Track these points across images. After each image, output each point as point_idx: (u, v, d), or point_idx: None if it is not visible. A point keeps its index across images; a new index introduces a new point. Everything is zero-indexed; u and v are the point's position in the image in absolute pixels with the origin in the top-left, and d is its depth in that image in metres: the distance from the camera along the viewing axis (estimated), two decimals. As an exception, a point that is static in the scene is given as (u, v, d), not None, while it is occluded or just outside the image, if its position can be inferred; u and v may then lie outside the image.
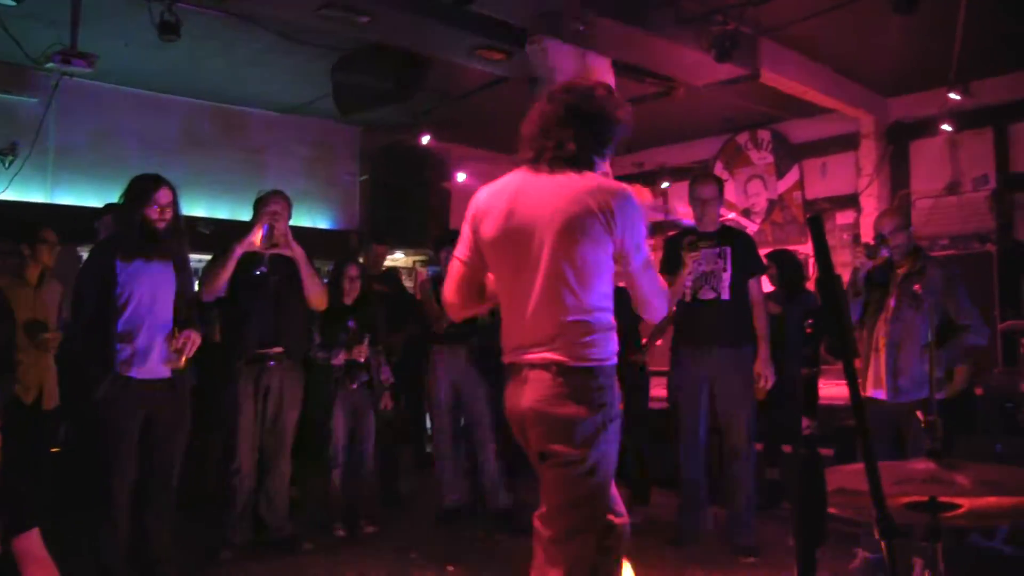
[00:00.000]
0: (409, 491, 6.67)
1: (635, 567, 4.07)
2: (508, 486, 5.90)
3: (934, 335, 4.11)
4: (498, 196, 2.65)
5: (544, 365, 2.50)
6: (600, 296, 2.53)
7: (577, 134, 2.55)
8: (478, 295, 2.78)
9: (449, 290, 2.79)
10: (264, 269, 4.89)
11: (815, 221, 1.67)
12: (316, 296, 5.06)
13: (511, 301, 2.63)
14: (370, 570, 4.83)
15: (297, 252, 4.93)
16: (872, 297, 4.58)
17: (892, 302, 4.51)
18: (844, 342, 1.64)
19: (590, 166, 2.57)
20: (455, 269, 2.76)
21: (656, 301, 2.69)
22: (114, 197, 4.50)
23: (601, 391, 2.50)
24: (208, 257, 4.97)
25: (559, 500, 2.56)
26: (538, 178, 2.57)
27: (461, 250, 2.74)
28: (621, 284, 2.66)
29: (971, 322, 4.44)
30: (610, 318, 2.57)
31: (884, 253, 4.50)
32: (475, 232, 2.68)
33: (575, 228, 2.46)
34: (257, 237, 4.77)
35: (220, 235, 5.06)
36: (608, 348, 2.55)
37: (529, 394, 2.52)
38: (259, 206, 4.99)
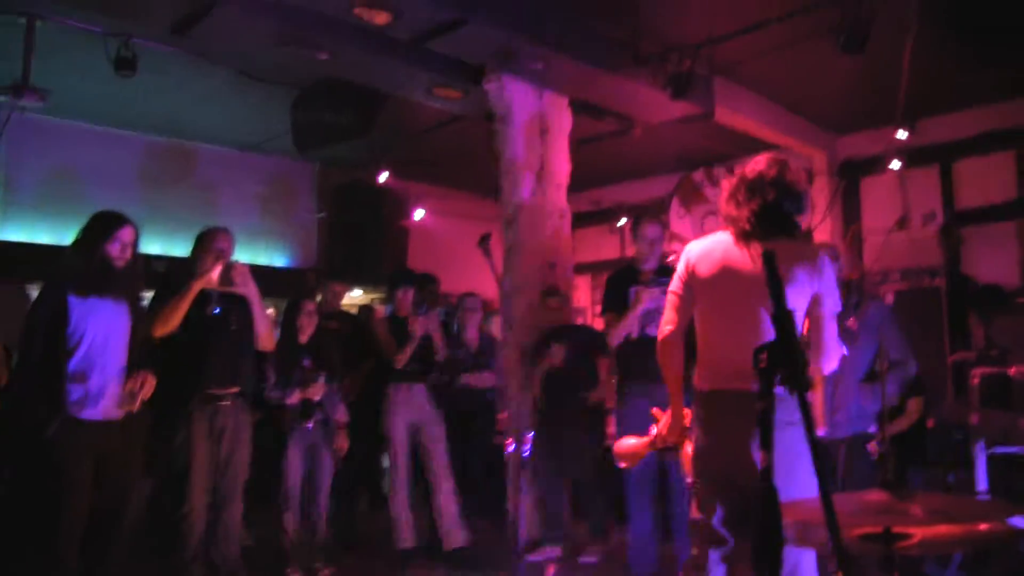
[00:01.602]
0: (365, 532, 6.58)
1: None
2: (466, 525, 5.86)
3: (871, 370, 4.18)
4: None
5: None
6: None
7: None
8: None
9: None
10: (219, 308, 4.83)
11: (768, 257, 1.70)
12: (267, 336, 5.02)
13: None
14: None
15: (252, 291, 4.88)
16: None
17: None
18: (798, 375, 1.67)
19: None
20: None
21: (832, 346, 3.06)
22: (66, 234, 4.43)
23: None
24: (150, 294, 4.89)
25: None
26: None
27: None
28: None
29: (904, 356, 4.51)
30: None
31: None
32: None
33: None
34: (215, 274, 4.71)
35: (171, 273, 4.98)
36: None
37: None
38: (204, 242, 4.91)
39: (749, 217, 3.03)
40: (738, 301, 2.97)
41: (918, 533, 1.88)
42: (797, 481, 2.65)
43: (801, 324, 2.92)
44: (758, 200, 3.03)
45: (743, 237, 3.04)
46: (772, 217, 3.01)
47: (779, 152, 3.10)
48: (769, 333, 2.59)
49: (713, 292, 3.09)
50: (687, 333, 3.26)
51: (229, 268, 4.74)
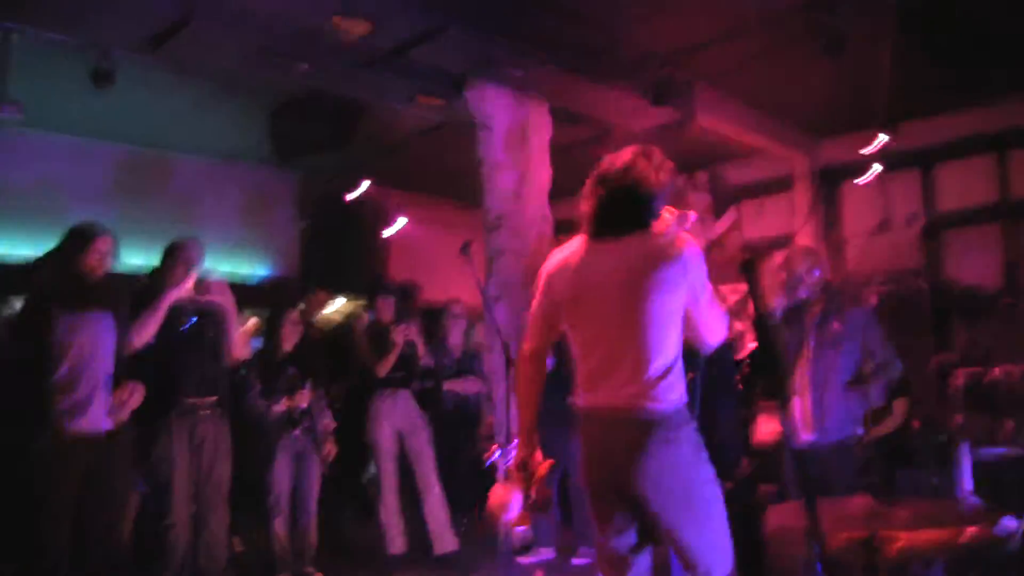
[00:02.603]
0: (354, 538, 6.55)
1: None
2: (455, 529, 5.86)
3: (858, 373, 4.17)
4: None
5: None
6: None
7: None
8: None
9: None
10: (195, 319, 4.80)
11: (748, 265, 1.69)
12: (241, 346, 5.02)
13: None
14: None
15: (229, 302, 4.86)
16: (791, 338, 4.60)
17: (811, 342, 4.49)
18: (779, 383, 1.66)
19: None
20: None
21: (715, 326, 2.90)
22: (46, 247, 4.39)
23: None
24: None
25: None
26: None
27: None
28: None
29: (887, 358, 4.50)
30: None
31: (800, 292, 4.55)
32: None
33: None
34: (188, 285, 4.68)
35: (145, 286, 4.94)
36: None
37: None
38: (172, 253, 4.87)
39: (598, 213, 2.89)
40: (600, 310, 2.82)
41: (903, 538, 1.88)
42: (694, 510, 2.63)
43: (675, 319, 2.75)
44: (607, 194, 2.88)
45: (595, 236, 2.89)
46: (622, 212, 2.85)
47: (645, 145, 2.97)
48: (637, 337, 2.68)
49: (575, 305, 2.90)
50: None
51: (204, 279, 4.72)
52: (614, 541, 2.77)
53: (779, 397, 1.65)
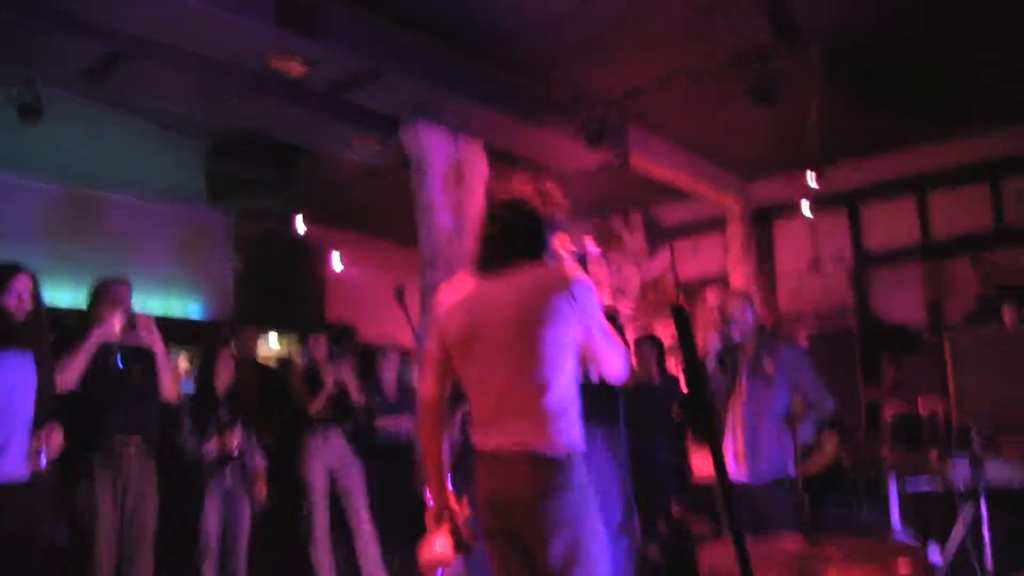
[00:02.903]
0: (287, 577, 6.43)
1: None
2: (387, 567, 5.84)
3: (790, 414, 4.24)
4: None
5: None
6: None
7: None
8: None
9: None
10: (121, 360, 4.69)
11: (679, 311, 1.72)
12: (171, 387, 4.92)
13: None
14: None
15: (157, 342, 4.75)
16: (724, 379, 4.67)
17: (744, 382, 4.58)
18: (710, 428, 1.68)
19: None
20: None
21: (615, 359, 2.83)
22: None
23: None
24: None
25: None
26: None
27: None
28: None
29: (820, 396, 4.58)
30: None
31: (734, 335, 4.63)
32: None
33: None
34: (116, 326, 4.58)
35: (72, 327, 4.82)
36: None
37: None
38: (100, 293, 4.78)
39: (489, 245, 2.80)
40: (491, 346, 2.69)
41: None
42: (581, 564, 2.51)
43: (568, 354, 2.66)
44: (498, 226, 2.80)
45: (485, 269, 2.78)
46: (512, 244, 2.75)
47: (539, 175, 2.98)
48: (528, 374, 2.59)
49: (467, 344, 2.76)
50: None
51: (132, 319, 4.63)
52: None
53: (710, 441, 1.66)
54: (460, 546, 2.77)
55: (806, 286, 8.45)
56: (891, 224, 8.09)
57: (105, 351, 4.60)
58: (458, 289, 2.84)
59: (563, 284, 2.62)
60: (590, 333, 2.66)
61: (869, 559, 2.00)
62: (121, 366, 4.68)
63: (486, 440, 2.70)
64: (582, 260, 2.93)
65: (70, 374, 4.45)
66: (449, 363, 2.82)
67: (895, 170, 7.97)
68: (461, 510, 2.83)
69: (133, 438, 4.68)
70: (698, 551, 1.57)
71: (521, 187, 2.87)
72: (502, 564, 2.67)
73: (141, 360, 4.74)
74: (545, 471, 2.54)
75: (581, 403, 2.73)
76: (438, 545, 2.76)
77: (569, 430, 2.62)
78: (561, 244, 2.89)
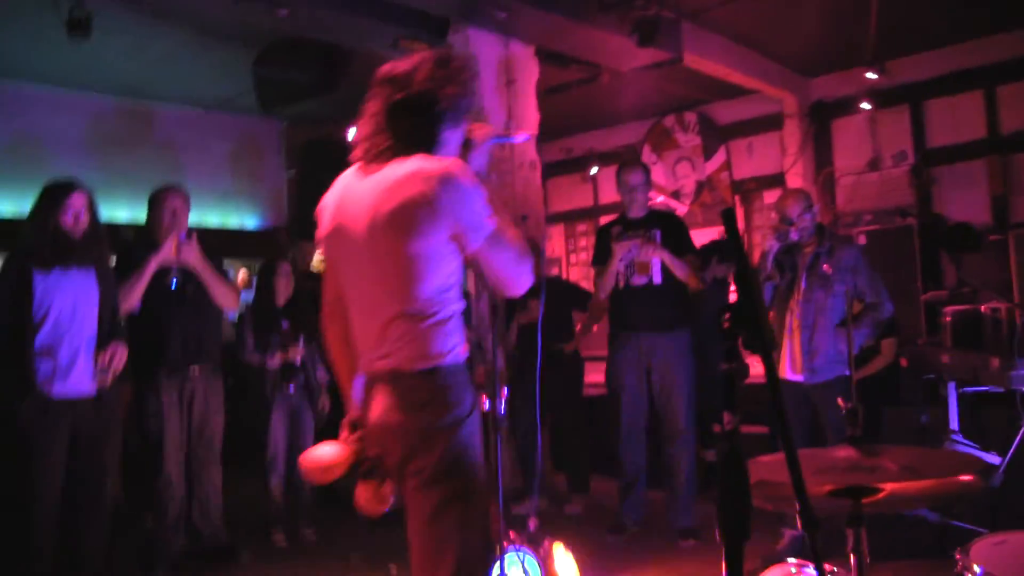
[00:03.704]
0: (347, 490, 6.60)
1: (576, 555, 4.10)
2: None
3: (846, 315, 4.19)
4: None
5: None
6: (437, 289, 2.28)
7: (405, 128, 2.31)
8: None
9: None
10: (176, 279, 4.74)
11: (727, 215, 1.67)
12: (228, 301, 4.95)
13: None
14: (311, 575, 4.78)
15: (195, 261, 4.72)
16: (783, 280, 4.64)
17: (802, 284, 4.57)
18: (761, 337, 1.65)
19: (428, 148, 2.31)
20: None
21: (508, 274, 2.38)
22: (27, 203, 4.32)
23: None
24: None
25: (425, 514, 2.27)
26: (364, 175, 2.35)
27: None
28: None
29: (878, 299, 4.53)
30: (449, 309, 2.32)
31: (792, 236, 4.55)
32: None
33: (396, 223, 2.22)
34: (172, 249, 4.63)
35: (131, 243, 4.87)
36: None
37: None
38: (156, 203, 4.79)
39: (369, 130, 2.34)
40: (353, 255, 2.32)
41: (887, 488, 1.88)
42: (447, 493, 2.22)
43: (435, 263, 2.23)
44: (382, 106, 2.32)
45: (364, 159, 2.34)
46: (395, 130, 2.28)
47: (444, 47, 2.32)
48: (386, 288, 2.20)
49: (333, 250, 2.42)
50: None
51: (184, 241, 4.65)
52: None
53: (761, 351, 1.63)
54: (363, 465, 2.41)
55: (865, 185, 8.24)
56: (956, 119, 7.80)
57: (161, 272, 4.67)
58: (341, 179, 2.44)
59: (424, 183, 2.16)
60: (468, 241, 2.23)
61: (920, 474, 1.96)
62: (174, 286, 4.74)
63: (360, 362, 2.38)
64: (467, 149, 2.45)
65: (132, 298, 4.53)
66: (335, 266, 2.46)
67: (961, 62, 7.64)
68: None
69: (196, 355, 4.78)
70: (747, 464, 1.55)
71: (413, 60, 2.36)
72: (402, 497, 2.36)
73: (195, 278, 4.79)
74: (403, 392, 2.24)
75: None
76: (324, 451, 2.43)
77: (433, 345, 2.24)
78: (477, 134, 2.47)
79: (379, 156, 2.28)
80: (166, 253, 4.60)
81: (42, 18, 5.83)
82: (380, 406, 2.28)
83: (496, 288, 2.44)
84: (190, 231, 4.76)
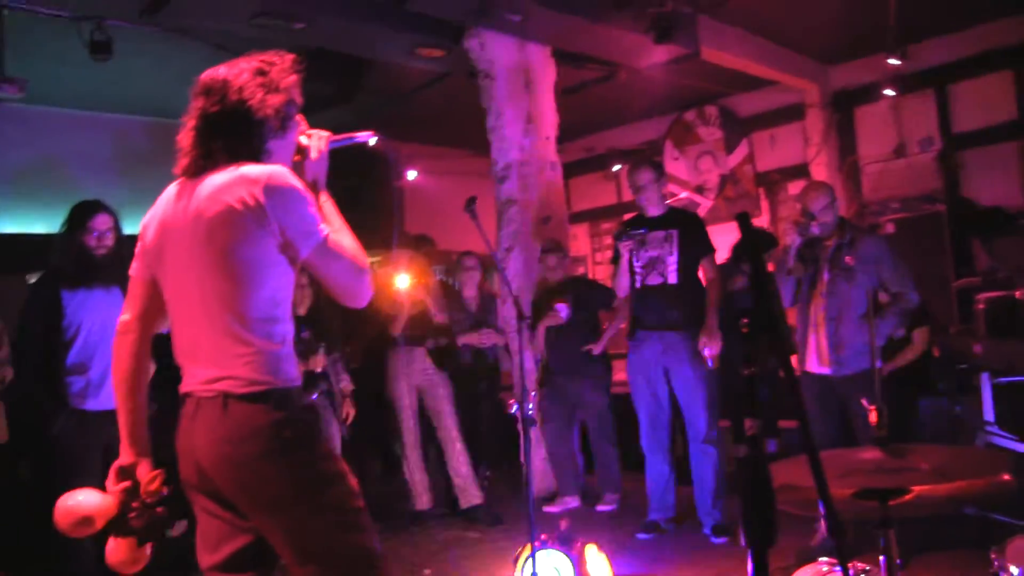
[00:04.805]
0: (381, 496, 6.63)
1: (608, 554, 4.10)
2: (479, 482, 5.93)
3: (871, 306, 4.14)
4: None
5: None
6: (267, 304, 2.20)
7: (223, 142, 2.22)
8: None
9: None
10: None
11: (742, 218, 1.65)
12: None
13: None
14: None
15: None
16: (805, 273, 4.59)
17: (826, 276, 4.52)
18: (780, 343, 1.63)
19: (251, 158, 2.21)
20: None
21: (343, 283, 2.29)
22: (58, 223, 4.40)
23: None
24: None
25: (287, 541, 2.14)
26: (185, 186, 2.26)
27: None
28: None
29: (904, 288, 4.46)
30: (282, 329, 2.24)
31: (814, 230, 4.50)
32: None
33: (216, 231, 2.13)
34: None
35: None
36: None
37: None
38: None
39: (187, 141, 2.25)
40: (177, 269, 2.21)
41: (915, 490, 1.85)
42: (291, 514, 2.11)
43: (263, 273, 2.15)
44: (199, 116, 2.23)
45: (185, 172, 2.25)
46: (211, 140, 2.20)
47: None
48: (208, 303, 2.10)
49: (158, 265, 2.27)
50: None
51: None
52: (215, 555, 2.22)
53: (781, 356, 1.61)
54: (130, 524, 2.19)
55: (891, 173, 8.14)
56: (983, 102, 7.67)
57: None
58: (160, 200, 2.33)
59: (247, 188, 2.08)
60: (297, 250, 2.14)
61: (948, 476, 1.90)
62: None
63: (183, 379, 2.25)
64: (303, 156, 2.37)
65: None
66: (149, 281, 2.31)
67: (987, 43, 7.50)
68: (149, 479, 2.27)
69: None
70: (769, 469, 1.53)
71: (231, 68, 2.25)
72: (205, 518, 2.23)
73: None
74: (239, 412, 2.10)
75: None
76: (83, 499, 2.21)
77: (267, 362, 2.15)
78: (312, 141, 2.41)
79: (201, 170, 2.20)
80: None
81: (65, 42, 5.90)
82: (207, 434, 2.13)
83: (336, 298, 2.33)
84: None
